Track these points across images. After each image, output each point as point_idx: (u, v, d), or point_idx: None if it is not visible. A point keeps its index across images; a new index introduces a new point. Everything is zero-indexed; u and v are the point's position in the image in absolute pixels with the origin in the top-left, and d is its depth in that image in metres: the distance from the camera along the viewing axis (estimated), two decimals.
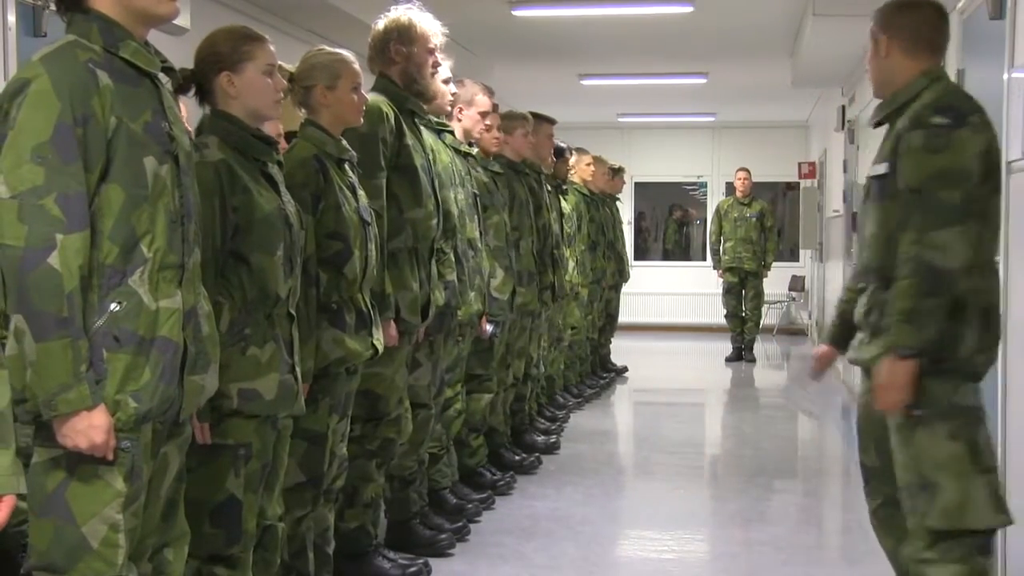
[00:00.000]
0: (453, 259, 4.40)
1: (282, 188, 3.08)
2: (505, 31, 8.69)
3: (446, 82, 4.50)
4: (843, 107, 9.90)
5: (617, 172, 9.75)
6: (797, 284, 14.03)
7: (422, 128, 4.21)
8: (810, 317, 13.41)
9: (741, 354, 11.40)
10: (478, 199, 4.91)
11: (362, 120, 3.64)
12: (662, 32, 8.82)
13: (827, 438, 7.67)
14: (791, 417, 8.26)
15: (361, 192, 3.57)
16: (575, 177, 8.35)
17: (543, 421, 7.12)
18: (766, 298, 11.63)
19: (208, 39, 2.99)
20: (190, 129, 2.88)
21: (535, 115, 6.10)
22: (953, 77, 4.96)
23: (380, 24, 4.02)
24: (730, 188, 14.28)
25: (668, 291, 14.69)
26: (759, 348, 11.45)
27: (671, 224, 15.72)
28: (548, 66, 10.46)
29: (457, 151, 4.76)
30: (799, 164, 12.80)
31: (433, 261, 4.15)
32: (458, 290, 4.42)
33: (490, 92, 5.09)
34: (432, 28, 4.04)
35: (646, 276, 14.26)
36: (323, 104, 3.53)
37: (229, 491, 2.94)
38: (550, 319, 6.98)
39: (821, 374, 3.41)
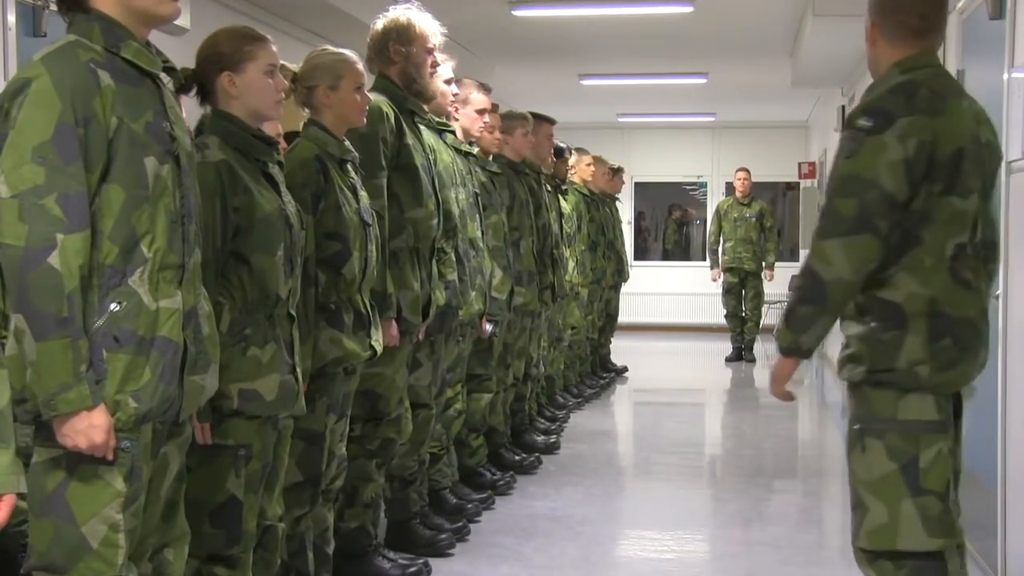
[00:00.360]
0: (454, 259, 4.40)
1: (282, 188, 3.08)
2: (505, 31, 8.69)
3: (448, 82, 4.50)
4: (843, 107, 9.89)
5: (616, 172, 9.76)
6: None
7: (422, 128, 4.21)
8: None
9: (741, 354, 11.40)
10: (479, 199, 4.91)
11: (365, 120, 3.64)
12: (662, 32, 8.82)
13: (827, 438, 7.67)
14: (791, 417, 8.26)
15: (363, 193, 3.57)
16: (575, 177, 8.36)
17: (543, 421, 7.12)
18: (766, 298, 11.63)
19: (210, 39, 2.99)
20: (189, 129, 2.88)
21: (535, 115, 6.10)
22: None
23: (379, 24, 4.02)
24: (730, 188, 14.30)
25: (668, 291, 14.69)
26: (759, 348, 11.44)
27: (671, 224, 15.72)
28: (548, 66, 10.46)
29: (458, 151, 4.76)
30: (799, 164, 12.80)
31: (434, 261, 4.15)
32: (459, 290, 4.42)
33: (486, 89, 5.08)
34: (431, 28, 4.04)
35: (646, 276, 14.26)
36: (326, 104, 3.53)
37: (230, 491, 2.94)
38: (550, 319, 6.98)
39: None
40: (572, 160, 8.13)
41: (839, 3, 7.06)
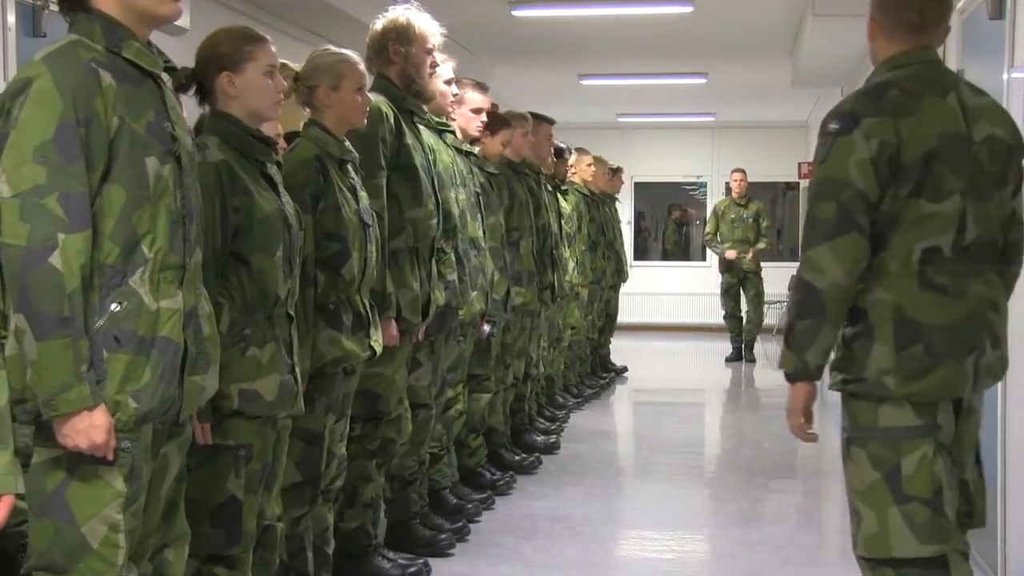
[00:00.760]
0: (453, 259, 4.40)
1: (281, 188, 3.08)
2: (505, 31, 8.69)
3: (448, 83, 4.50)
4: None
5: (616, 172, 9.77)
6: None
7: (422, 128, 4.21)
8: None
9: (741, 354, 11.38)
10: (480, 198, 4.91)
11: (365, 121, 3.64)
12: (662, 32, 8.82)
13: (827, 438, 7.66)
14: None
15: (362, 193, 3.57)
16: (576, 177, 8.36)
17: (543, 421, 7.12)
18: (766, 298, 11.61)
19: (209, 39, 2.99)
20: (190, 129, 2.88)
21: (534, 115, 6.10)
22: None
23: (378, 24, 4.02)
24: (730, 189, 14.32)
25: (667, 291, 14.69)
26: (759, 348, 11.42)
27: (670, 224, 15.72)
28: (548, 66, 10.46)
29: (459, 151, 4.75)
30: (799, 164, 12.78)
31: (433, 261, 4.15)
32: (459, 290, 4.41)
33: (483, 88, 5.07)
34: (430, 28, 4.04)
35: (645, 276, 14.26)
36: (326, 104, 3.53)
37: (230, 491, 2.94)
38: (550, 319, 6.98)
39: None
40: (572, 160, 8.13)
41: (839, 3, 7.06)
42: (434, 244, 4.13)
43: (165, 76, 2.49)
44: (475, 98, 4.98)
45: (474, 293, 4.69)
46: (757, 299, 11.31)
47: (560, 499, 5.54)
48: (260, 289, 2.94)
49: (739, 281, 11.30)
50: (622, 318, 10.71)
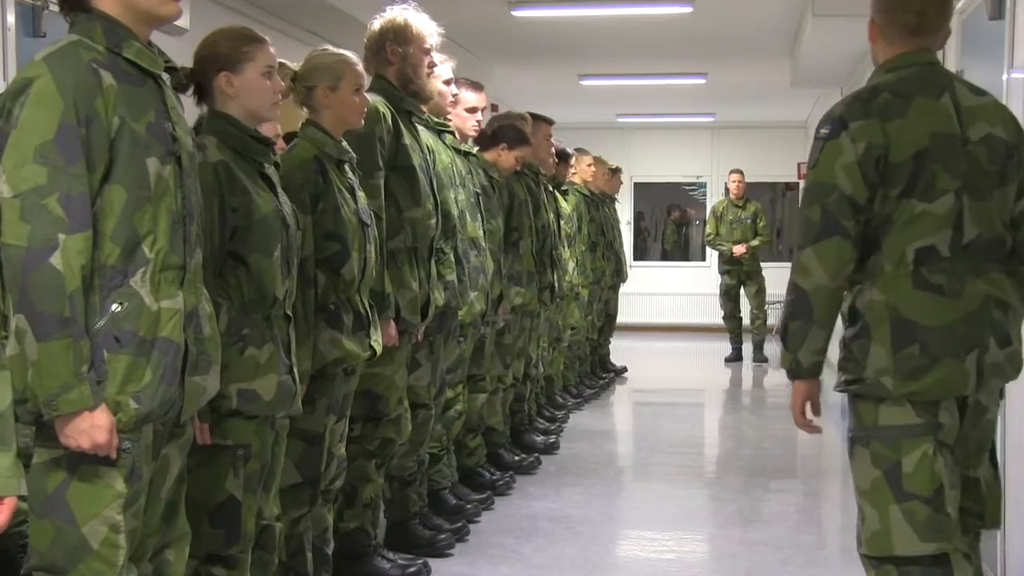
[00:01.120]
0: (453, 259, 4.40)
1: (279, 189, 3.08)
2: (504, 32, 8.69)
3: (447, 83, 4.50)
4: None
5: (615, 172, 9.77)
6: None
7: (420, 128, 4.21)
8: None
9: (740, 354, 11.33)
10: (479, 199, 4.91)
11: (363, 122, 3.64)
12: (662, 32, 8.82)
13: (827, 438, 7.66)
14: (791, 417, 8.25)
15: (361, 193, 3.57)
16: (576, 177, 8.37)
17: (542, 421, 7.12)
18: (768, 297, 11.56)
19: (208, 39, 2.99)
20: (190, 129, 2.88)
21: (533, 115, 6.09)
22: None
23: (376, 24, 4.02)
24: (728, 189, 14.32)
25: (667, 291, 14.69)
26: (768, 348, 11.26)
27: (670, 224, 15.73)
28: (547, 66, 10.46)
29: (458, 151, 4.75)
30: (798, 164, 12.79)
31: (432, 261, 4.15)
32: (458, 290, 4.41)
33: (478, 88, 5.06)
34: (428, 28, 4.03)
35: (645, 276, 14.26)
36: (324, 105, 3.53)
37: (228, 491, 2.94)
38: (549, 319, 6.98)
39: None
40: (572, 160, 8.14)
41: (839, 3, 7.06)
42: (433, 244, 4.12)
43: (165, 76, 2.48)
44: (470, 97, 4.97)
45: (474, 294, 4.69)
46: (760, 296, 11.16)
47: (560, 499, 5.53)
48: (258, 289, 2.94)
49: (738, 283, 11.23)
50: (621, 318, 10.70)
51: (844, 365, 2.80)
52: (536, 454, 6.29)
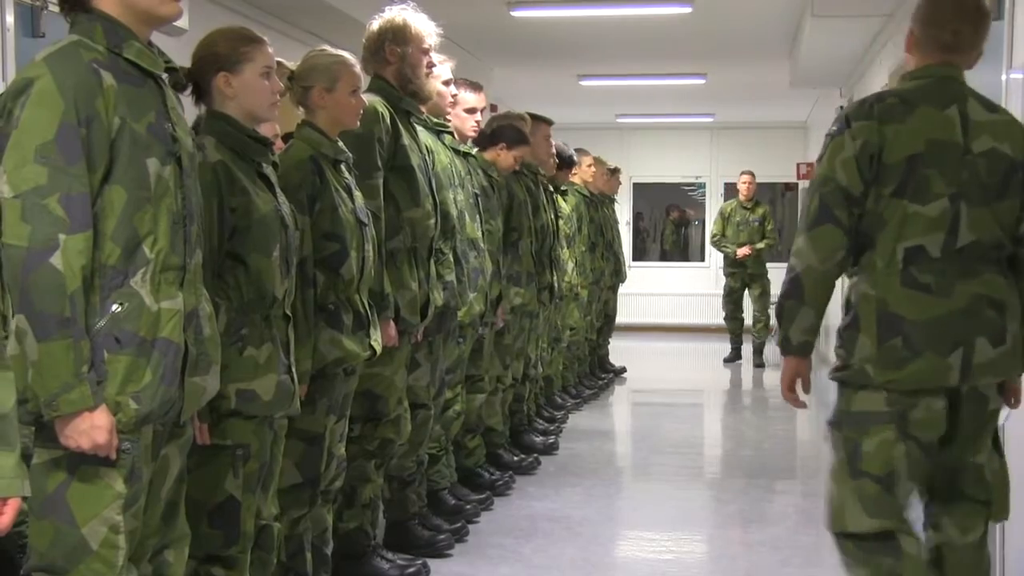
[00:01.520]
0: (452, 259, 4.40)
1: (277, 189, 3.08)
2: (504, 32, 8.70)
3: (446, 83, 4.50)
4: (842, 108, 9.89)
5: (614, 172, 9.77)
6: None
7: (419, 128, 4.20)
8: None
9: (739, 354, 11.22)
10: (479, 199, 4.91)
11: (359, 123, 3.64)
12: (661, 33, 8.83)
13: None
14: (790, 418, 8.25)
15: (357, 193, 3.57)
16: (576, 178, 8.36)
17: (541, 422, 7.12)
18: (772, 298, 11.49)
19: (206, 39, 2.99)
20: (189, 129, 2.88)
21: (533, 116, 6.09)
22: None
23: (374, 25, 4.02)
24: (729, 189, 14.30)
25: (666, 292, 14.69)
26: (768, 352, 11.18)
27: (669, 225, 15.73)
28: (547, 67, 10.46)
29: (457, 152, 4.75)
30: (798, 165, 12.79)
31: (432, 261, 4.15)
32: (457, 291, 4.41)
33: (476, 88, 5.05)
34: (426, 28, 4.03)
35: (644, 277, 14.26)
36: (320, 105, 3.53)
37: (228, 492, 2.94)
38: (549, 320, 6.98)
39: None
40: (575, 167, 8.14)
41: (838, 4, 7.06)
42: (432, 245, 4.12)
43: (165, 76, 2.48)
44: (469, 98, 4.97)
45: (473, 294, 4.69)
46: (763, 299, 10.93)
47: (559, 500, 5.53)
48: (257, 289, 2.94)
49: (742, 285, 11.04)
50: (621, 319, 10.70)
51: (837, 352, 2.97)
52: (535, 454, 6.29)
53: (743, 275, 11.02)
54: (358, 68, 3.63)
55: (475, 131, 5.05)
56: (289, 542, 3.45)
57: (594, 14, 8.20)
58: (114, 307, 2.29)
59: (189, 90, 2.94)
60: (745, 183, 11.16)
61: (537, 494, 5.62)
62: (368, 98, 3.74)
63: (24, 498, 1.99)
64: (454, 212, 4.41)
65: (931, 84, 2.94)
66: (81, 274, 2.22)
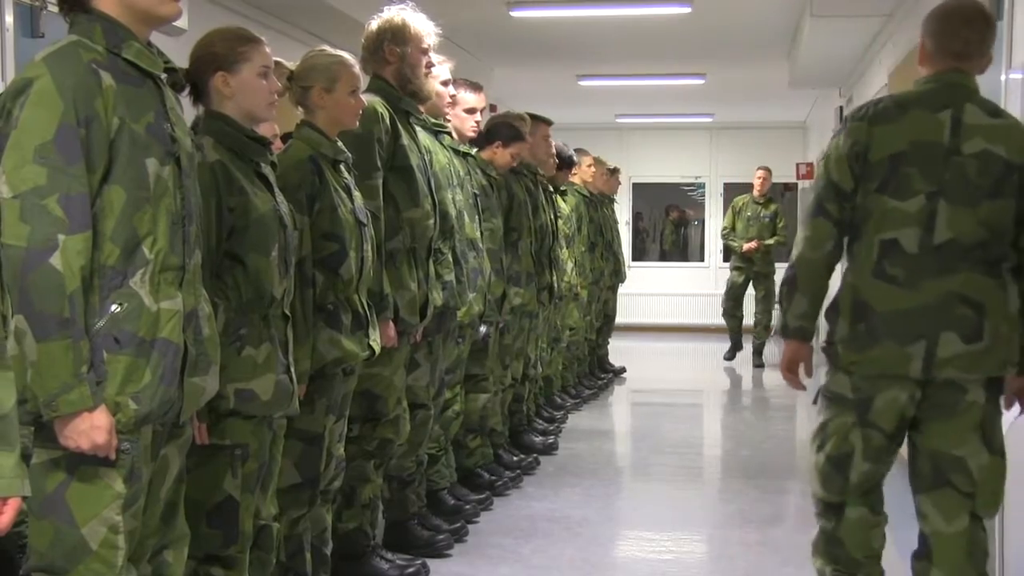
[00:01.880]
0: (451, 260, 4.40)
1: (275, 188, 3.08)
2: (503, 32, 8.70)
3: (444, 84, 4.49)
4: (841, 108, 9.90)
5: (613, 172, 9.77)
6: None
7: (417, 128, 4.20)
8: None
9: (740, 344, 11.05)
10: (478, 199, 4.91)
11: (358, 123, 3.64)
12: (660, 33, 8.83)
13: None
14: (790, 417, 8.26)
15: (357, 193, 3.57)
16: (576, 178, 8.36)
17: (541, 422, 7.12)
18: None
19: (204, 39, 2.99)
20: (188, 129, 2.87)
21: (532, 116, 6.09)
22: None
23: (373, 25, 4.02)
24: (728, 189, 14.30)
25: (665, 292, 14.69)
26: (767, 352, 11.17)
27: (668, 225, 15.73)
28: (546, 67, 10.46)
29: (456, 152, 4.75)
30: (797, 165, 12.79)
31: (431, 261, 4.15)
32: (456, 291, 4.41)
33: (476, 88, 5.05)
34: (425, 28, 4.03)
35: (644, 277, 14.26)
36: (320, 106, 3.53)
37: (226, 491, 2.93)
38: (548, 320, 6.98)
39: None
40: (575, 168, 8.14)
41: (837, 4, 7.06)
42: (431, 245, 4.12)
43: (164, 76, 2.48)
44: (469, 98, 4.97)
45: (472, 294, 4.68)
46: (767, 301, 10.74)
47: (558, 500, 5.53)
48: (256, 289, 2.94)
49: (745, 282, 10.88)
50: (620, 319, 10.69)
51: (826, 334, 3.20)
52: (535, 454, 6.29)
53: (748, 271, 10.86)
54: (357, 68, 3.63)
55: (475, 131, 5.05)
56: (288, 542, 3.45)
57: (593, 14, 8.20)
58: (113, 307, 2.29)
59: (187, 90, 2.95)
60: (760, 179, 11.02)
61: (536, 494, 5.62)
62: (367, 98, 3.74)
63: (24, 498, 1.99)
64: (453, 212, 4.41)
65: (934, 89, 3.09)
66: (80, 274, 2.22)
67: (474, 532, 4.80)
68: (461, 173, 4.72)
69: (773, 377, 10.58)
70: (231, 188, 2.90)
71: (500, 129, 5.48)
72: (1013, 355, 3.06)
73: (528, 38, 9.04)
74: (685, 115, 13.83)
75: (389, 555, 4.11)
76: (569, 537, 4.89)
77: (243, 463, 2.96)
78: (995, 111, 3.11)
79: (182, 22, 4.95)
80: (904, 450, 3.23)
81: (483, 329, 5.09)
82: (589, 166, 8.73)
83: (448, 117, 4.77)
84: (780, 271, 10.74)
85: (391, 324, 3.83)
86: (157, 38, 2.51)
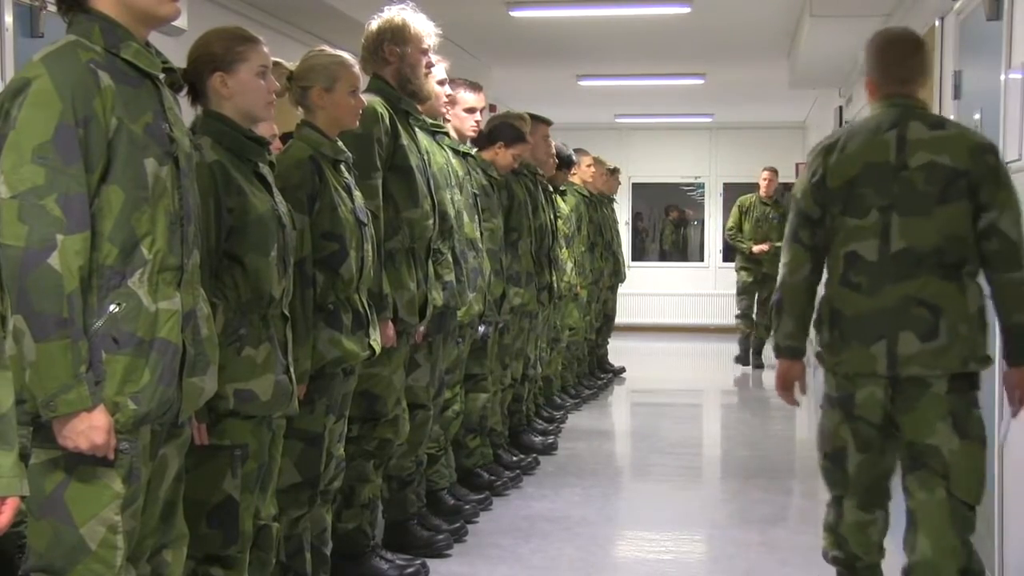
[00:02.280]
0: (451, 260, 4.40)
1: (274, 189, 3.08)
2: (502, 32, 8.69)
3: (441, 83, 4.49)
4: (840, 108, 9.89)
5: (613, 172, 9.77)
6: None
7: (417, 129, 4.20)
8: None
9: (748, 355, 10.97)
10: (478, 199, 4.90)
11: (358, 123, 3.64)
12: (660, 33, 8.82)
13: None
14: (789, 417, 8.26)
15: (357, 193, 3.57)
16: (575, 178, 8.36)
17: (541, 422, 7.12)
18: None
19: (202, 39, 2.99)
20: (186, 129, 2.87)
21: (532, 116, 6.09)
22: (950, 78, 4.98)
23: (373, 25, 4.02)
24: (728, 189, 14.30)
25: (665, 292, 14.68)
26: (767, 354, 11.13)
27: (668, 225, 15.71)
28: (546, 67, 10.46)
29: (455, 152, 4.75)
30: (796, 165, 12.78)
31: (430, 261, 4.15)
32: (456, 291, 4.41)
33: (476, 88, 5.05)
34: (425, 28, 4.03)
35: (643, 277, 14.25)
36: (319, 106, 3.53)
37: (226, 492, 2.94)
38: (548, 320, 6.98)
39: None
40: (574, 168, 8.13)
41: (836, 4, 7.06)
42: (431, 245, 4.12)
43: (163, 77, 2.48)
44: (468, 98, 4.97)
45: (472, 294, 4.68)
46: (769, 302, 10.72)
47: (558, 500, 5.53)
48: (254, 289, 2.94)
49: (756, 281, 10.74)
50: (620, 319, 10.69)
51: (816, 338, 3.42)
52: (534, 455, 6.29)
53: (757, 272, 10.73)
54: (357, 68, 3.63)
55: (475, 131, 5.05)
56: (288, 542, 3.45)
57: (593, 14, 8.19)
58: (112, 307, 2.29)
59: (185, 91, 2.94)
60: (766, 179, 10.93)
61: (536, 494, 5.62)
62: (367, 98, 3.74)
63: (23, 498, 1.99)
64: (452, 212, 4.40)
65: (882, 113, 3.32)
66: (79, 274, 2.22)
67: (474, 532, 4.80)
68: (460, 173, 4.71)
69: (773, 377, 10.57)
70: (229, 188, 2.90)
71: (502, 130, 5.48)
72: (977, 352, 3.23)
73: (528, 38, 9.03)
74: (685, 115, 13.82)
75: (389, 555, 4.11)
76: (569, 537, 4.89)
77: (243, 463, 2.96)
78: (938, 124, 3.32)
79: (181, 22, 4.95)
80: None
81: (482, 328, 5.09)
82: (589, 166, 8.73)
83: (447, 117, 4.77)
84: None
85: (390, 324, 3.83)
86: (156, 38, 2.51)
